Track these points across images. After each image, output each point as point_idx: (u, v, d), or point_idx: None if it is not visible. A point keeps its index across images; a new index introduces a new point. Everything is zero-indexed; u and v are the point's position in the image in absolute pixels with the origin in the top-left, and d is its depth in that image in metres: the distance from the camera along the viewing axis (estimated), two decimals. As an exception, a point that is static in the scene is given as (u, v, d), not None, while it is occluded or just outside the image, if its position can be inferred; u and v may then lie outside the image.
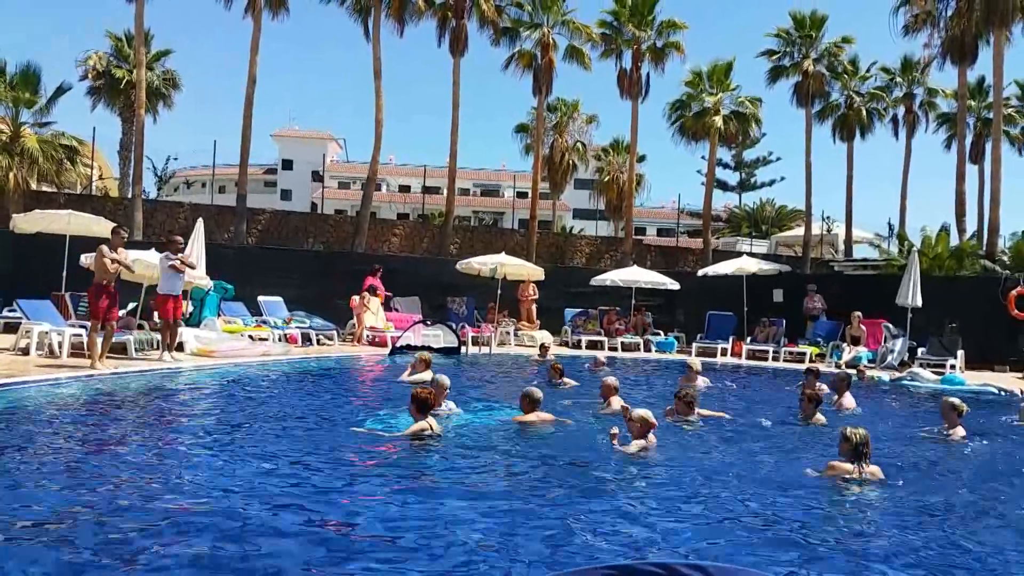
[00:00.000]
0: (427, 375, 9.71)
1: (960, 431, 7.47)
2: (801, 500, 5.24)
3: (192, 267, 12.10)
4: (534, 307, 19.91)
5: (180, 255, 11.66)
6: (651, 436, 6.54)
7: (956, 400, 7.73)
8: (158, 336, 11.97)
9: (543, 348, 15.03)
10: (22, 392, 8.21)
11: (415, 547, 3.92)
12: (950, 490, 5.84)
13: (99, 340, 10.16)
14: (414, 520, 4.37)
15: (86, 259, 12.76)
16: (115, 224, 11.49)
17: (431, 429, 6.39)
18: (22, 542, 3.74)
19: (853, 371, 12.80)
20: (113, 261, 10.29)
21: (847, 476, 5.47)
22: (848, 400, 9.57)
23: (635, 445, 6.31)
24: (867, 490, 5.42)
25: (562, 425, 7.42)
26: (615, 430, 6.35)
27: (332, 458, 5.92)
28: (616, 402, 8.30)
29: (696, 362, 11.55)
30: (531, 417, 7.26)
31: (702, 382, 11.01)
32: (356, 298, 17.07)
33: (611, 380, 8.88)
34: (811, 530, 4.58)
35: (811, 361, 16.18)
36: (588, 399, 9.14)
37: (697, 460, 6.46)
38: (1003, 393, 11.92)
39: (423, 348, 14.51)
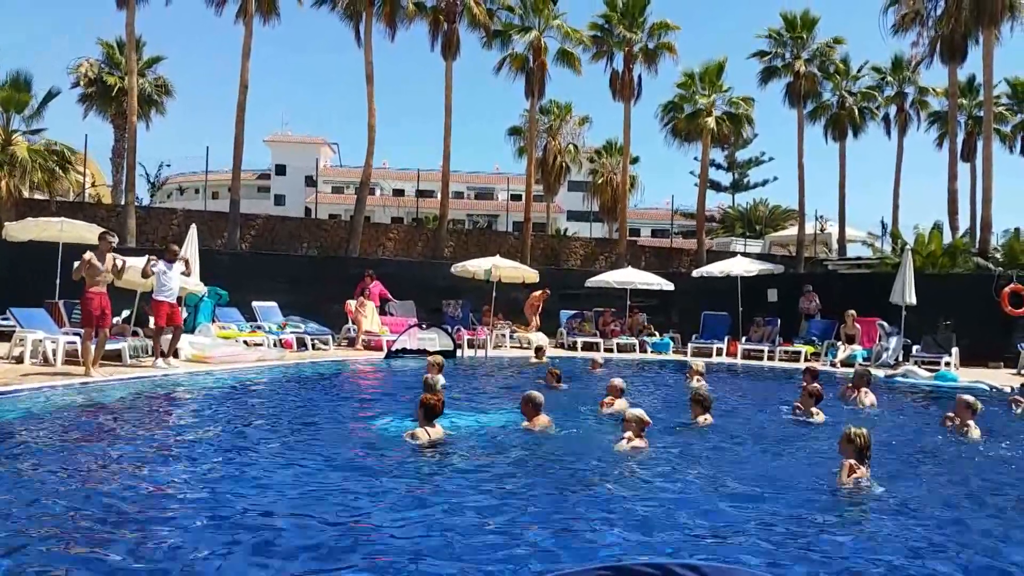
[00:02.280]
0: (439, 378, 9.64)
1: (975, 429, 7.48)
2: (799, 499, 5.24)
3: (187, 263, 12.15)
4: (537, 318, 19.90)
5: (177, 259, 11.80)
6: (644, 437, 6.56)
7: (970, 398, 7.75)
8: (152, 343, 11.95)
9: (539, 351, 15.03)
10: (15, 400, 8.17)
11: (414, 549, 3.91)
12: (974, 488, 5.83)
13: (92, 347, 10.13)
14: (413, 522, 4.37)
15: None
16: (103, 230, 11.46)
17: (427, 437, 6.36)
18: (17, 550, 3.72)
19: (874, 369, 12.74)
20: (89, 265, 10.26)
21: (857, 478, 5.38)
22: (868, 397, 9.58)
23: (628, 444, 6.35)
24: (866, 490, 5.39)
25: (563, 428, 7.40)
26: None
27: (331, 462, 5.90)
28: (620, 404, 8.27)
29: (699, 363, 11.56)
30: (534, 421, 7.24)
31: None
32: (351, 303, 17.05)
33: (618, 381, 8.85)
34: (809, 530, 4.59)
35: (806, 360, 16.23)
36: (589, 400, 9.13)
37: (697, 459, 6.47)
38: (993, 389, 11.97)
39: (419, 352, 14.52)
